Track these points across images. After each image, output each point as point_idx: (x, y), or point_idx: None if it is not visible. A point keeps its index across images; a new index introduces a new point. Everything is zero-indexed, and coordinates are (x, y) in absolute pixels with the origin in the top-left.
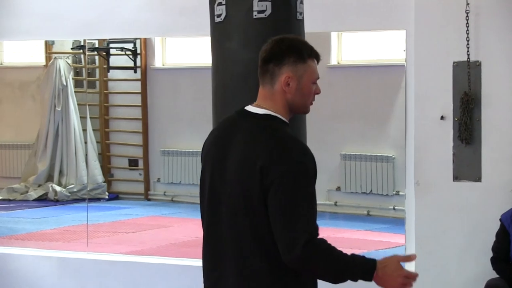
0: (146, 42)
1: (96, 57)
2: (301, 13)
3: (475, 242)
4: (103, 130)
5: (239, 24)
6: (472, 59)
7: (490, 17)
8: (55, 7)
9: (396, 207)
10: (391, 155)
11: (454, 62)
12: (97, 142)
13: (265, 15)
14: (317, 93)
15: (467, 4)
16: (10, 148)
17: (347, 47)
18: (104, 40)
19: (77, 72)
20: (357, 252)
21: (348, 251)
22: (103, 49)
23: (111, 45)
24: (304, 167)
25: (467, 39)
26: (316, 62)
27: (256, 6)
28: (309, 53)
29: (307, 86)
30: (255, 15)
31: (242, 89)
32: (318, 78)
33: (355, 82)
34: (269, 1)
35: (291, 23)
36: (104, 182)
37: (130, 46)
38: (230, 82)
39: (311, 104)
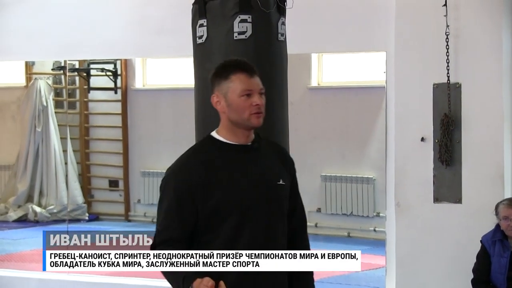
0: (126, 63)
1: (77, 78)
2: (282, 34)
3: (456, 263)
4: (83, 151)
5: (220, 45)
6: (452, 81)
7: (470, 39)
8: (35, 28)
9: (376, 229)
10: (371, 176)
11: (434, 84)
12: (77, 163)
13: (246, 36)
14: (257, 105)
15: (447, 26)
16: None
17: (328, 68)
18: (84, 61)
19: (58, 93)
20: (338, 273)
21: (327, 272)
22: (84, 70)
23: (92, 66)
24: (164, 183)
25: (447, 61)
26: (246, 74)
27: (236, 27)
28: (233, 69)
29: (235, 101)
30: (236, 36)
31: None
32: (249, 89)
33: (335, 104)
34: (250, 22)
35: (272, 44)
36: (84, 203)
37: (110, 67)
38: (211, 104)
39: (256, 116)
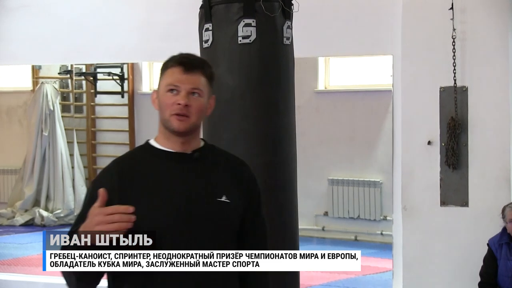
0: (133, 67)
1: (83, 82)
2: (288, 38)
3: (463, 267)
4: (90, 155)
5: (225, 50)
6: (458, 84)
7: (477, 42)
8: (42, 32)
9: (383, 232)
10: (378, 180)
11: (440, 88)
12: (84, 167)
13: (250, 40)
14: (179, 104)
15: (454, 29)
16: None
17: (334, 72)
18: (91, 65)
19: (64, 97)
20: (345, 276)
21: (334, 276)
22: (90, 74)
23: (98, 70)
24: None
25: (454, 64)
26: (180, 68)
27: (241, 32)
28: (171, 62)
29: (161, 96)
30: (240, 41)
31: (227, 115)
32: (175, 85)
33: (342, 107)
34: (254, 26)
35: (277, 48)
36: None
37: (117, 71)
38: (217, 108)
39: (176, 118)
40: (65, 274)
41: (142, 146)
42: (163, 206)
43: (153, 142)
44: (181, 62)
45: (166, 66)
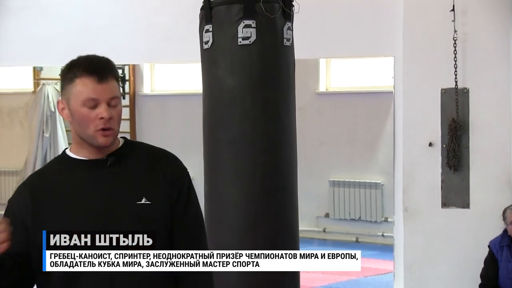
0: (134, 69)
1: None
2: (289, 39)
3: (464, 268)
4: None
5: (225, 51)
6: (460, 86)
7: (478, 44)
8: (43, 33)
9: (384, 234)
10: (379, 181)
11: (442, 89)
12: None
13: (250, 41)
14: (102, 118)
15: (455, 31)
16: None
17: (336, 73)
18: None
19: None
20: (346, 278)
21: (335, 277)
22: None
23: None
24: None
25: (455, 66)
26: (93, 78)
27: (241, 33)
28: (78, 70)
29: (76, 110)
30: (240, 42)
31: (228, 116)
32: (94, 98)
33: (343, 109)
34: (254, 27)
35: (277, 50)
36: None
37: (118, 72)
38: (217, 109)
39: (101, 133)
40: None
41: (59, 156)
42: (79, 217)
43: (68, 152)
44: (93, 71)
45: (74, 75)
